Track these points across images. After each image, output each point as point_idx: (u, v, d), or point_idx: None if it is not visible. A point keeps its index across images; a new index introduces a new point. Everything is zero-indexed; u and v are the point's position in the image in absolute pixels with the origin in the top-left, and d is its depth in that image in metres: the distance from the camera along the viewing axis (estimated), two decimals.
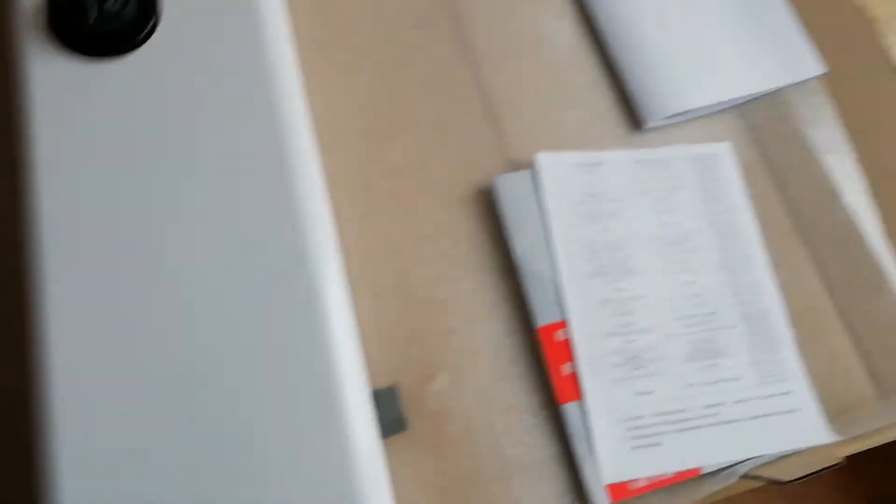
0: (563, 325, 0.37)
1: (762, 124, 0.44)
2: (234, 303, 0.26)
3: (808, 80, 0.44)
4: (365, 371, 0.28)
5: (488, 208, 0.39)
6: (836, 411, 0.38)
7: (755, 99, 0.44)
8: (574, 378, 0.36)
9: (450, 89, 0.42)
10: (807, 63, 0.44)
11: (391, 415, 0.30)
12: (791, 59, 0.44)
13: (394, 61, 0.42)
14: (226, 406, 0.26)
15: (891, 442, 0.38)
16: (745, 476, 0.35)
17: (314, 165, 0.30)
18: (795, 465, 0.36)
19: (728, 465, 0.35)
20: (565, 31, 0.45)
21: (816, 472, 0.35)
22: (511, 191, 0.39)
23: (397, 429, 0.30)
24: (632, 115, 0.43)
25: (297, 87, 0.31)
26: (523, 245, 0.38)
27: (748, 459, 0.35)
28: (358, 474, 0.26)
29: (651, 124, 0.42)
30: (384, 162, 0.40)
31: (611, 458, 0.34)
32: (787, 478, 0.35)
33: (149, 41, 0.29)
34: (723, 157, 0.43)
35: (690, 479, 0.35)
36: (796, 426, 0.37)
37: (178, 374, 0.26)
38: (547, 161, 0.40)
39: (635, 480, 0.34)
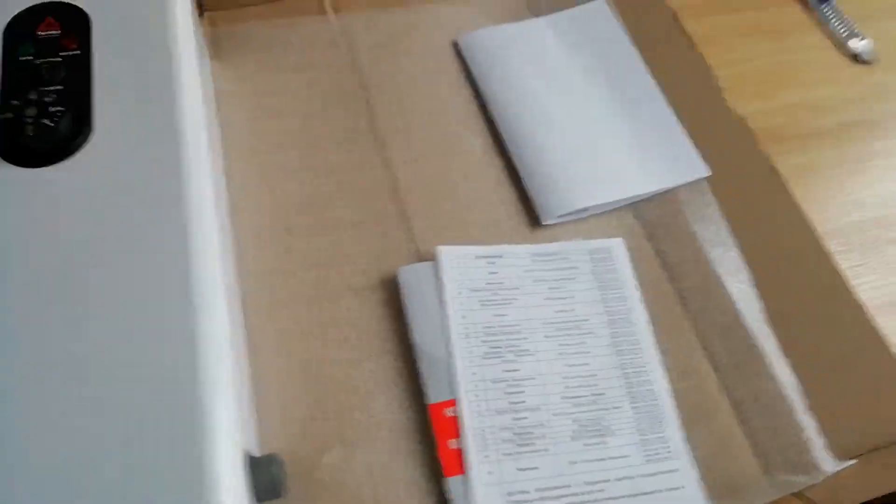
0: (452, 403, 0.39)
1: (655, 221, 0.48)
2: (118, 360, 0.30)
3: (696, 181, 0.49)
4: (240, 439, 0.31)
5: (394, 297, 0.43)
6: (724, 489, 0.39)
7: (649, 198, 0.49)
8: (460, 453, 0.38)
9: (368, 193, 0.47)
10: (693, 166, 0.49)
11: (265, 480, 0.32)
12: (679, 163, 0.50)
13: (318, 169, 0.48)
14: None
15: None
16: None
17: (214, 262, 0.34)
18: None
19: None
20: (476, 140, 0.50)
21: None
22: (413, 279, 0.43)
23: (272, 495, 0.32)
24: (532, 213, 0.47)
25: (209, 198, 0.36)
26: (421, 328, 0.41)
27: None
28: None
29: (548, 222, 0.47)
30: (303, 256, 0.44)
31: None
32: None
33: (80, 151, 0.35)
34: (616, 251, 0.47)
35: None
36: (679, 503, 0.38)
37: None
38: (448, 253, 0.44)
39: None
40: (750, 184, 0.49)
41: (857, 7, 0.64)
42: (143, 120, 0.38)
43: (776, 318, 0.44)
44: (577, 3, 0.58)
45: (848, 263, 0.44)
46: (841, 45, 0.63)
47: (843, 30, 0.63)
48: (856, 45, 0.62)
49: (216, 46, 0.54)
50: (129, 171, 0.36)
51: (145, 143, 0.37)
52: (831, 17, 0.64)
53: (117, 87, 0.40)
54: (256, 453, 0.33)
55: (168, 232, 0.34)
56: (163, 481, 0.29)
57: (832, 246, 0.46)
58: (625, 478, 0.39)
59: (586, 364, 0.42)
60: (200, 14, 0.56)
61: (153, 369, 0.31)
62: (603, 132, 0.51)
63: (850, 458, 0.39)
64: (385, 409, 0.39)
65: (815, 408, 0.41)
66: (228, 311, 0.34)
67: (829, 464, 0.39)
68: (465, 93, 0.53)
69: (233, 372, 0.32)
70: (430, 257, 0.44)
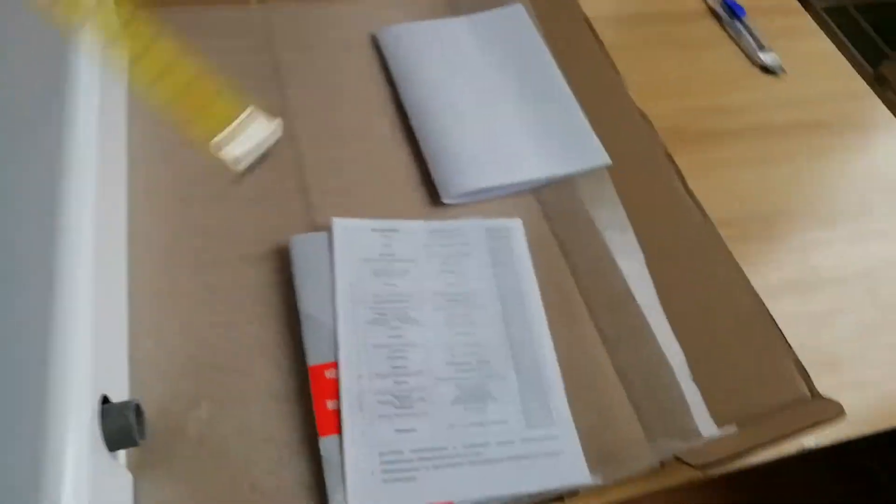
0: (333, 365, 0.39)
1: (554, 204, 0.49)
2: None
3: (597, 169, 0.50)
4: (92, 384, 0.31)
5: (286, 266, 0.43)
6: (606, 455, 0.39)
7: (550, 183, 0.50)
8: (337, 414, 0.38)
9: (269, 167, 0.48)
10: (594, 154, 0.51)
11: (118, 425, 0.31)
12: (580, 150, 0.51)
13: None
14: None
15: None
16: None
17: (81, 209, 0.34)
18: None
19: (483, 500, 0.36)
20: (383, 124, 0.51)
21: None
22: (304, 248, 0.43)
23: (125, 442, 0.31)
24: (434, 194, 0.48)
25: (87, 154, 0.36)
26: (308, 294, 0.41)
27: (505, 497, 0.36)
28: (53, 475, 0.27)
29: (447, 200, 0.47)
30: (196, 224, 0.44)
31: (360, 489, 0.35)
32: None
33: None
34: (513, 230, 0.47)
35: None
36: (558, 468, 0.38)
37: None
38: (342, 224, 0.44)
39: None
40: (648, 174, 0.50)
41: (767, 24, 0.68)
42: (32, 73, 0.38)
43: (667, 296, 0.44)
44: (498, 5, 0.61)
45: (740, 250, 0.45)
46: (751, 58, 0.66)
47: (753, 44, 0.66)
48: (765, 57, 0.65)
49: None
50: (5, 125, 0.36)
51: (32, 96, 0.38)
52: (743, 32, 0.68)
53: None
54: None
55: (39, 181, 0.35)
56: (6, 416, 0.28)
57: (725, 233, 0.47)
58: (505, 442, 0.39)
59: (473, 334, 0.42)
60: None
61: (7, 306, 0.31)
62: (508, 119, 0.52)
63: (730, 424, 0.39)
64: (264, 371, 0.39)
65: (699, 377, 0.41)
66: (99, 264, 0.34)
67: (709, 428, 0.39)
68: (379, 82, 0.54)
69: (92, 317, 0.32)
70: (326, 228, 0.44)
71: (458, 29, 0.58)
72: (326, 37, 0.57)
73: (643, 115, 0.54)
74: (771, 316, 0.42)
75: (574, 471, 0.38)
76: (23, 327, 0.31)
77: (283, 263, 0.43)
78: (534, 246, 0.47)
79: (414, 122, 0.51)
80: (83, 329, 0.31)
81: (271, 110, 0.48)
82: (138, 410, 0.33)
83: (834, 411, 0.38)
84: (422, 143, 0.50)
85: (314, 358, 0.39)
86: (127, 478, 0.34)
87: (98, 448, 0.31)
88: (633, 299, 0.44)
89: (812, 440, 0.41)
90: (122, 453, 0.34)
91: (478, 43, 0.58)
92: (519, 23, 0.60)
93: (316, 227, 0.45)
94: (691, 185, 0.49)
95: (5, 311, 0.31)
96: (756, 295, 0.43)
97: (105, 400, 0.32)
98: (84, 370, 0.31)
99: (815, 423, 0.37)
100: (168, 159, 0.46)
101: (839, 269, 0.52)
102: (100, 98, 0.39)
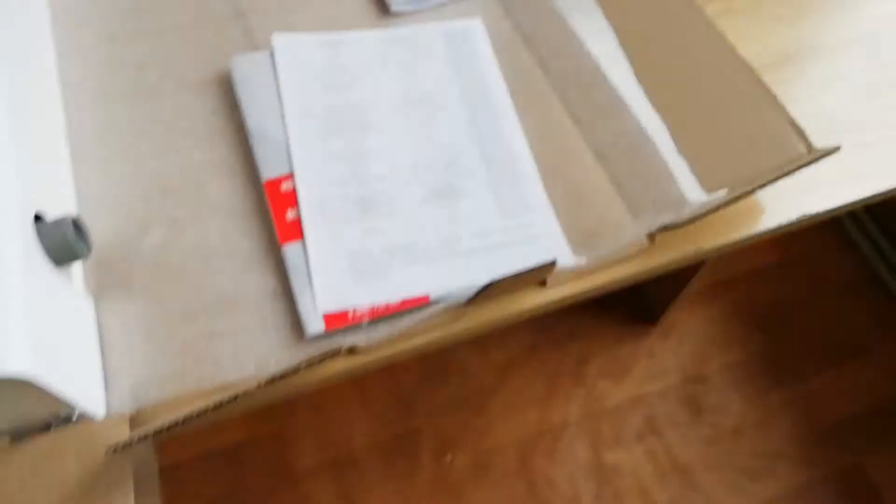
0: (290, 177, 0.37)
1: None
2: None
3: None
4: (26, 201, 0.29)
5: (229, 91, 0.40)
6: (589, 234, 0.37)
7: None
8: (298, 223, 0.35)
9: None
10: None
11: (56, 240, 0.29)
12: None
13: None
14: None
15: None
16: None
17: None
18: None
19: (459, 291, 0.34)
20: None
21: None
22: (247, 68, 0.40)
23: (69, 256, 0.30)
24: (383, 5, 0.44)
25: None
26: (255, 114, 0.38)
27: (482, 283, 0.34)
28: None
29: (396, 8, 0.44)
30: (130, 58, 0.41)
31: (329, 289, 0.34)
32: None
33: None
34: (472, 30, 0.44)
35: (418, 306, 0.34)
36: (537, 251, 0.36)
37: None
38: (284, 40, 0.41)
39: (356, 309, 0.33)
40: None
41: None
42: None
43: (646, 74, 0.41)
44: None
45: (725, 24, 0.41)
46: None
47: None
48: None
49: None
50: None
51: None
52: None
53: None
54: None
55: None
56: None
57: (708, 10, 0.43)
58: (480, 233, 0.36)
59: (438, 134, 0.40)
60: None
61: None
62: None
63: (719, 189, 0.36)
64: (218, 191, 0.37)
65: (685, 149, 0.38)
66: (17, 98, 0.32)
67: (699, 196, 0.37)
68: None
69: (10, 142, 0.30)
70: (268, 49, 0.41)
71: None
72: None
73: None
74: (762, 81, 0.38)
75: (555, 253, 0.36)
76: None
77: (225, 88, 0.40)
78: (496, 43, 0.43)
79: None
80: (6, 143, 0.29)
81: None
82: (77, 225, 0.31)
83: (831, 149, 0.34)
84: None
85: (268, 171, 0.37)
86: (87, 299, 0.32)
87: (42, 264, 0.29)
88: (605, 78, 0.41)
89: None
90: (78, 277, 0.33)
91: None
92: None
93: (257, 48, 0.42)
94: None
95: None
96: (744, 62, 0.39)
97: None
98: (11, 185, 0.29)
99: (810, 160, 0.34)
100: None
101: (836, 36, 0.47)
102: None
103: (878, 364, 0.82)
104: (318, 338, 0.33)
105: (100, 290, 0.33)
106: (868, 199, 0.41)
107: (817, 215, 0.39)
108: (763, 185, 0.34)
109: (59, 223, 0.30)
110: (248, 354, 0.32)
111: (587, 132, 0.40)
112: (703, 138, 0.39)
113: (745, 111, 0.39)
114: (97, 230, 0.34)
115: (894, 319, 0.85)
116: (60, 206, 0.34)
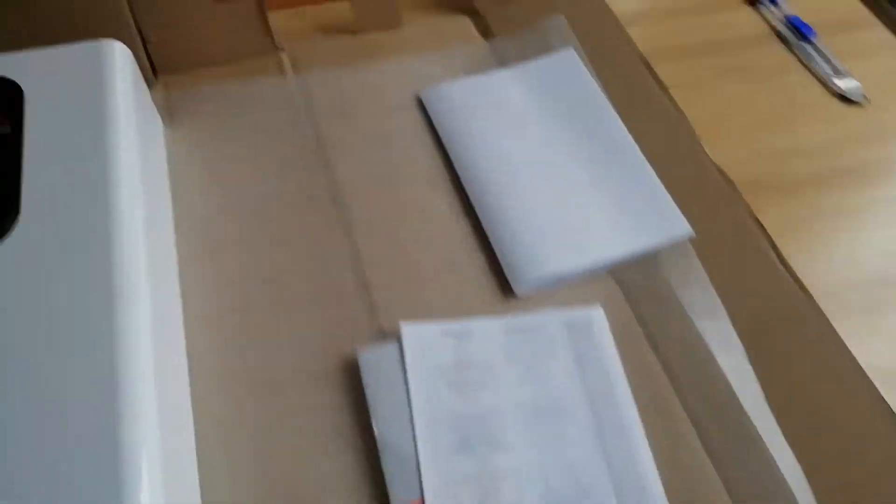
0: (420, 502, 0.36)
1: (636, 286, 0.45)
2: None
3: (678, 243, 0.46)
4: None
5: (355, 382, 0.39)
6: None
7: (629, 261, 0.45)
8: None
9: (326, 264, 0.44)
10: (675, 224, 0.46)
11: None
12: (659, 221, 0.46)
13: (274, 240, 0.44)
14: None
15: None
16: None
17: (142, 346, 0.31)
18: None
19: None
20: (440, 202, 0.47)
21: None
22: (375, 364, 0.39)
23: None
24: (503, 282, 0.44)
25: (141, 283, 0.33)
26: (384, 419, 0.38)
27: None
28: None
29: (521, 291, 0.43)
30: (255, 336, 0.41)
31: None
32: None
33: (7, 237, 0.33)
34: (596, 321, 0.43)
35: None
36: None
37: None
38: (411, 331, 0.41)
39: None
40: (734, 242, 0.46)
41: (841, 45, 0.62)
42: (74, 201, 0.35)
43: (773, 397, 0.40)
44: (548, 52, 0.56)
45: (848, 329, 0.41)
46: (826, 85, 0.60)
47: (828, 68, 0.61)
48: (842, 83, 0.60)
49: (170, 112, 0.51)
50: (56, 258, 0.34)
51: (75, 227, 0.35)
52: (814, 55, 0.62)
53: (49, 168, 0.37)
54: None
55: (95, 318, 0.32)
56: None
57: (828, 307, 0.42)
58: None
59: (566, 454, 0.38)
60: (155, 76, 0.54)
61: (76, 453, 0.28)
62: (576, 189, 0.48)
63: None
64: None
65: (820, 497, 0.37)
66: (166, 400, 0.31)
67: None
68: (429, 150, 0.50)
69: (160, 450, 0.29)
70: (394, 334, 0.41)
71: (507, 83, 0.54)
72: (368, 102, 0.52)
73: (721, 172, 0.49)
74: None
75: None
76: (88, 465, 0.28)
77: (352, 380, 0.40)
78: (617, 336, 0.43)
79: (473, 197, 0.47)
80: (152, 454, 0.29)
81: (319, 194, 0.45)
82: None
83: None
84: (484, 223, 0.46)
85: (399, 496, 0.36)
86: None
87: None
88: (739, 403, 0.40)
89: None
90: None
91: (531, 97, 0.53)
92: (572, 69, 0.55)
93: (382, 332, 0.41)
94: (782, 249, 0.45)
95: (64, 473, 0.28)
96: (876, 392, 0.38)
97: None
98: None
99: None
100: (222, 262, 0.43)
101: None
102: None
103: None
104: None
105: None
106: None
107: None
108: None
109: None
110: None
111: (720, 468, 0.39)
112: (837, 488, 0.38)
113: (876, 459, 0.38)
114: None
115: None
116: None
